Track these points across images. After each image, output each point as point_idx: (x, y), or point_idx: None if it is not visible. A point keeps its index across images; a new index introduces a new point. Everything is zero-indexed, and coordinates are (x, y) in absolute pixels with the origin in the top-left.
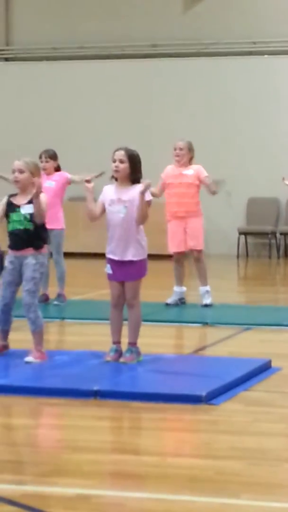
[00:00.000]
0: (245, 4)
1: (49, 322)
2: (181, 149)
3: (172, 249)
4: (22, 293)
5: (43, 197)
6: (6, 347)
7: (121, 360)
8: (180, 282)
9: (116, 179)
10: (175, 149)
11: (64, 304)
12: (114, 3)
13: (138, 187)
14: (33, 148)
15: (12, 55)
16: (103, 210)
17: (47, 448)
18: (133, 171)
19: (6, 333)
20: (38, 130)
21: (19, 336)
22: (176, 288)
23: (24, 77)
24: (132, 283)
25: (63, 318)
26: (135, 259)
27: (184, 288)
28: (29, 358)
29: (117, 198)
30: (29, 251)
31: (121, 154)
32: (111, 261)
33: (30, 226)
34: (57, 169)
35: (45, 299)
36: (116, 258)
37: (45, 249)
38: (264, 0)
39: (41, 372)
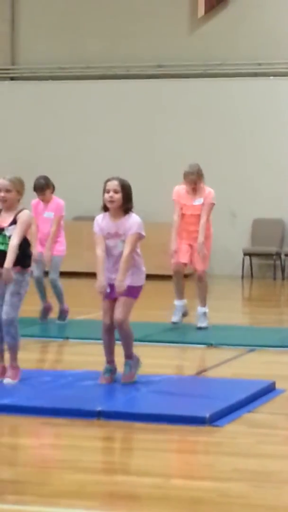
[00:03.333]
0: (251, 26)
1: (53, 342)
2: (195, 183)
3: (174, 259)
4: (4, 307)
5: (23, 215)
6: (4, 369)
7: (123, 381)
8: (180, 295)
9: (107, 210)
10: (186, 182)
11: (66, 321)
12: (120, 23)
13: (133, 219)
14: (36, 167)
15: (17, 74)
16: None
17: (50, 468)
18: (126, 201)
19: (1, 353)
20: (43, 149)
21: (22, 356)
22: (176, 302)
23: (29, 96)
24: (126, 299)
25: (67, 338)
26: (133, 284)
27: (185, 301)
28: (7, 380)
29: (114, 232)
30: (16, 268)
31: (115, 184)
32: (109, 283)
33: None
34: (52, 191)
35: (48, 310)
36: (113, 282)
37: (28, 269)
38: (269, 22)
39: (44, 392)
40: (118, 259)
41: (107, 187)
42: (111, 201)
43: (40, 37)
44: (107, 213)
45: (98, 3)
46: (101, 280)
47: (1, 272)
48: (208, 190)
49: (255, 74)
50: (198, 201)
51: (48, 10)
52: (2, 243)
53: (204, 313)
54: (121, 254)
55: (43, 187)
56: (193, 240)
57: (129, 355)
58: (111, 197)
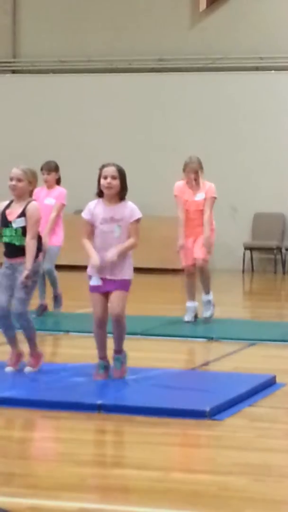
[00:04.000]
0: (252, 20)
1: (53, 335)
2: (196, 172)
3: (183, 262)
4: (13, 301)
5: (32, 208)
6: (20, 355)
7: (115, 376)
8: (192, 296)
9: (102, 196)
10: (187, 171)
11: (60, 308)
12: (122, 17)
13: (129, 204)
14: (37, 160)
15: (19, 67)
16: (93, 230)
17: (50, 462)
18: (123, 187)
19: (14, 340)
20: (44, 143)
21: (24, 349)
22: (188, 303)
23: (30, 89)
24: (120, 293)
25: (67, 331)
26: (126, 278)
27: (196, 303)
28: (28, 369)
29: (109, 217)
30: (23, 259)
31: (113, 170)
32: (102, 278)
33: (21, 242)
34: (58, 181)
35: (43, 309)
36: (107, 277)
37: (40, 257)
38: (271, 16)
39: (45, 385)
40: (110, 249)
41: (104, 173)
42: (109, 187)
43: (42, 31)
44: (100, 199)
45: None
46: (95, 257)
47: (12, 263)
48: (208, 184)
49: (257, 68)
50: (200, 196)
51: (50, 3)
52: (10, 236)
53: (209, 301)
54: (116, 241)
55: (51, 168)
56: (197, 235)
57: (120, 350)
58: (109, 183)
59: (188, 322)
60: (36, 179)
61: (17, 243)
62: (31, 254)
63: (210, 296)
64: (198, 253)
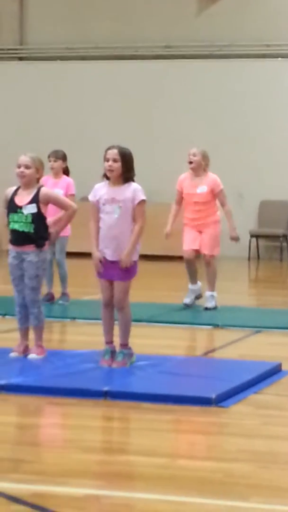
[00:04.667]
0: (259, 7)
1: (60, 322)
2: (194, 155)
3: (184, 246)
4: (26, 290)
5: (49, 191)
6: (27, 347)
7: (113, 365)
8: (194, 279)
9: (108, 178)
10: (188, 155)
11: (68, 303)
12: (128, 4)
13: (133, 187)
14: (44, 147)
15: (26, 54)
16: (98, 210)
17: (56, 448)
18: (126, 169)
19: (27, 332)
20: (50, 129)
21: (30, 336)
22: (191, 286)
23: (37, 76)
24: (121, 284)
25: (74, 318)
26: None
27: (199, 284)
28: (32, 355)
29: (110, 198)
30: (31, 247)
31: (114, 153)
32: (103, 260)
33: (31, 229)
34: (66, 170)
35: (50, 298)
36: (107, 257)
37: (46, 246)
38: (278, 3)
39: (51, 371)
40: (114, 229)
41: (107, 156)
42: (110, 170)
43: (49, 18)
44: (106, 182)
45: None
46: (95, 254)
47: (18, 251)
48: (211, 176)
49: (263, 56)
50: (201, 189)
51: None
52: (18, 222)
53: (212, 296)
54: (116, 223)
55: (58, 155)
56: (201, 227)
57: (125, 344)
58: (110, 166)
59: (186, 305)
60: (43, 167)
61: (26, 230)
62: (67, 221)
63: (214, 293)
64: (206, 249)
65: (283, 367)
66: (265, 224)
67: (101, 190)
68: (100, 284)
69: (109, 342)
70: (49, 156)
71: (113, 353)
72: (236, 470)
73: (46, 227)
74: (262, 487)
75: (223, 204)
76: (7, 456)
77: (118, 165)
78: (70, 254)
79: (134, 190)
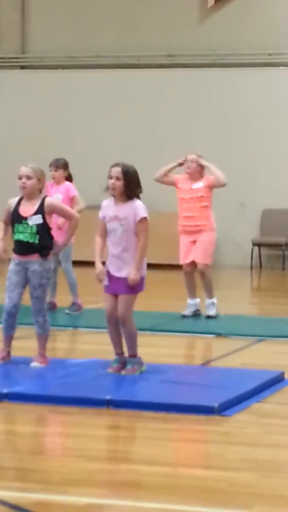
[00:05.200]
0: (261, 16)
1: (62, 331)
2: (192, 161)
3: (180, 261)
4: (31, 300)
5: (54, 200)
6: (9, 354)
7: (122, 373)
8: (192, 294)
9: (113, 194)
10: (186, 161)
11: (79, 312)
12: (130, 12)
13: (135, 204)
14: (46, 156)
15: (27, 63)
16: (106, 227)
17: (59, 457)
18: (129, 187)
19: (11, 339)
20: (52, 138)
21: (30, 344)
22: (189, 301)
23: (39, 85)
24: (125, 297)
25: (76, 327)
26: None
27: (197, 300)
28: (35, 364)
29: (114, 215)
30: (35, 257)
31: (117, 172)
32: (108, 274)
33: (35, 239)
34: (68, 178)
35: (52, 307)
36: (114, 274)
37: (50, 255)
38: (280, 12)
39: (54, 380)
40: (118, 246)
41: (111, 173)
42: (113, 188)
43: (50, 26)
44: (112, 198)
45: None
46: (98, 267)
47: (22, 260)
48: (208, 176)
49: (265, 64)
50: (197, 185)
51: None
52: (23, 233)
53: (212, 303)
54: (120, 241)
55: (59, 164)
56: (196, 234)
57: (132, 355)
58: (112, 184)
59: (184, 316)
60: (44, 177)
61: (31, 241)
62: (72, 232)
63: (213, 300)
64: (199, 257)
65: (286, 376)
66: (267, 233)
67: (107, 208)
68: (104, 297)
69: (119, 353)
70: (50, 165)
71: (121, 362)
72: (239, 479)
73: (50, 237)
74: (265, 496)
75: (216, 178)
76: (9, 465)
77: (120, 184)
78: (73, 263)
79: (135, 207)
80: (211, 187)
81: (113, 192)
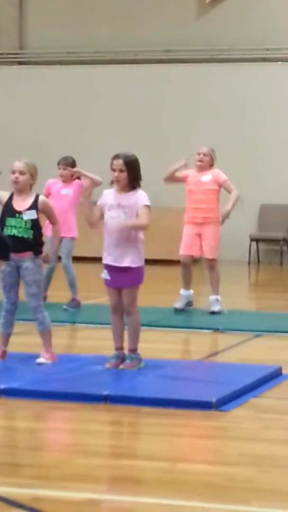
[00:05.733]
0: (259, 11)
1: (61, 326)
2: (205, 155)
3: (181, 250)
4: (26, 297)
5: (47, 203)
6: (5, 353)
7: (121, 367)
8: (187, 285)
9: (117, 186)
10: (198, 154)
11: (77, 309)
12: (128, 8)
13: (138, 193)
14: (45, 152)
15: (25, 59)
16: (102, 215)
17: (57, 452)
18: (133, 178)
19: (8, 337)
20: (51, 134)
21: (28, 340)
22: (182, 292)
23: (37, 81)
24: (129, 290)
25: (74, 323)
26: (132, 265)
27: (191, 291)
28: (40, 360)
29: (116, 203)
30: (27, 254)
31: (119, 164)
32: (108, 267)
33: (30, 235)
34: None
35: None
36: (113, 264)
37: (41, 255)
38: (278, 7)
39: (52, 376)
40: (119, 236)
41: (113, 166)
42: (117, 181)
43: (48, 22)
44: (114, 188)
45: None
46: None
47: (14, 258)
48: (215, 170)
49: (263, 60)
50: (206, 178)
51: None
52: (17, 227)
53: (217, 300)
54: (122, 229)
55: (68, 163)
56: (201, 227)
57: (134, 349)
58: (116, 176)
59: (177, 309)
60: (37, 173)
61: (25, 236)
62: (58, 238)
63: (218, 296)
64: (209, 253)
65: (284, 371)
66: (265, 228)
67: (108, 196)
68: (107, 291)
69: (119, 348)
70: (58, 163)
71: (120, 358)
72: (237, 474)
73: (41, 234)
74: (263, 491)
75: (231, 190)
76: (7, 460)
77: (124, 175)
78: (73, 259)
79: (138, 196)
80: (219, 185)
81: (117, 184)
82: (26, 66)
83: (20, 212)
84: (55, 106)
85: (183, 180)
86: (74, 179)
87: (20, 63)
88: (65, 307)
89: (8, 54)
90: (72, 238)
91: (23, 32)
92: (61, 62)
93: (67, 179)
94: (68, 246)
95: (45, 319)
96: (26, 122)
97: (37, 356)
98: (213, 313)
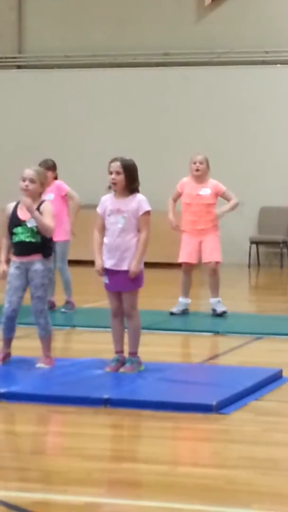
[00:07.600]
0: (257, 14)
1: (60, 330)
2: (201, 163)
3: (181, 258)
4: (31, 300)
5: (47, 206)
6: (9, 355)
7: (121, 370)
8: (186, 293)
9: (115, 189)
10: (194, 163)
11: (72, 311)
12: (127, 11)
13: (138, 198)
14: (43, 155)
15: (24, 62)
16: (104, 226)
17: (57, 456)
18: (130, 181)
19: (10, 341)
20: (49, 137)
21: (29, 344)
22: (181, 299)
23: (36, 84)
24: (129, 294)
25: (74, 326)
26: (127, 268)
27: (189, 300)
28: (40, 364)
29: (116, 209)
30: (37, 257)
31: (117, 166)
32: (108, 271)
33: (38, 239)
34: (56, 178)
35: (51, 306)
36: (113, 268)
37: (52, 255)
38: (276, 10)
39: (51, 379)
40: (118, 241)
41: (110, 169)
42: (114, 183)
43: (47, 26)
44: (113, 193)
45: None
46: (98, 262)
47: (23, 261)
48: (214, 182)
49: (262, 62)
50: (204, 191)
51: None
52: (24, 233)
53: (219, 301)
54: (121, 233)
55: (49, 165)
56: (201, 234)
57: (134, 353)
58: (113, 179)
59: (173, 313)
60: (47, 181)
61: (33, 240)
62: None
63: (219, 298)
64: (211, 256)
65: (284, 374)
66: (265, 231)
67: (107, 202)
68: (108, 295)
69: (119, 351)
70: (39, 165)
71: (120, 361)
72: (237, 477)
73: (51, 239)
74: (263, 494)
75: (231, 199)
76: (7, 465)
77: (121, 178)
78: (71, 262)
79: (139, 201)
80: (218, 195)
81: (114, 186)
82: (24, 70)
83: (24, 221)
84: (53, 110)
85: (180, 196)
86: (53, 181)
87: (18, 66)
88: (63, 310)
89: (6, 57)
90: (65, 241)
91: (22, 36)
92: (59, 66)
93: (50, 181)
94: (62, 249)
95: (47, 324)
96: (25, 125)
97: (37, 359)
98: (218, 315)
